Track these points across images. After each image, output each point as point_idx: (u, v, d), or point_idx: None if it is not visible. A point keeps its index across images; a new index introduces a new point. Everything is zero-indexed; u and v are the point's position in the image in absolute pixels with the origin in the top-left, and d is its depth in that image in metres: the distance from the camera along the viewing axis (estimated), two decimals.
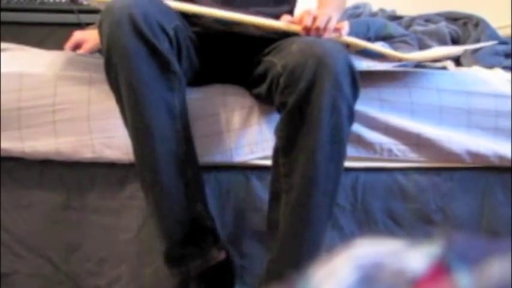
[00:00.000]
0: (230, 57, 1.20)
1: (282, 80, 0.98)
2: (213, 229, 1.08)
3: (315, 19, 1.03)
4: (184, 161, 1.03)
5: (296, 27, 1.05)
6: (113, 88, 1.01)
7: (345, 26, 1.07)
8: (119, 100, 1.01)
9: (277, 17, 1.18)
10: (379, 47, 1.19)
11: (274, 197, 1.04)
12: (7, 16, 2.12)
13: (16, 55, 1.29)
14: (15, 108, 1.17)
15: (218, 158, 1.18)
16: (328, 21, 1.03)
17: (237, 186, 1.21)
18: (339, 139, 0.97)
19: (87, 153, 1.17)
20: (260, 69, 1.11)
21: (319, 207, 0.99)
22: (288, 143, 0.98)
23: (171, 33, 0.99)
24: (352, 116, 0.98)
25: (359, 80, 0.98)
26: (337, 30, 1.06)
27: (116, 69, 0.97)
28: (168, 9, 1.05)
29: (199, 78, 1.18)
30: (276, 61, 1.03)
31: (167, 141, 1.00)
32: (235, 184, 1.21)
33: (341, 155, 0.99)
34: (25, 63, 1.23)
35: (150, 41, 0.95)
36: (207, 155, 1.18)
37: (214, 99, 1.19)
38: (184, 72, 1.07)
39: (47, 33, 1.94)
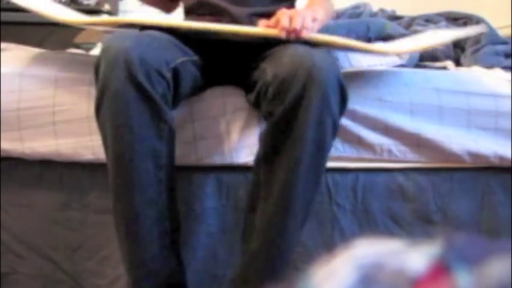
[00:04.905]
0: (229, 61, 1.20)
1: (270, 90, 0.98)
2: (181, 282, 1.06)
3: (291, 20, 1.01)
4: (164, 212, 1.01)
5: (274, 31, 1.03)
6: (101, 130, 1.00)
7: (314, 24, 1.03)
8: (105, 141, 1.00)
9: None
10: (359, 43, 1.16)
11: (252, 202, 1.04)
12: (7, 16, 2.12)
13: (16, 55, 1.29)
14: (15, 109, 1.17)
15: (219, 160, 1.18)
16: (303, 21, 1.01)
17: (237, 187, 1.21)
18: (321, 152, 0.98)
19: (87, 155, 1.16)
20: (255, 75, 1.11)
21: (295, 218, 1.00)
22: (271, 152, 0.99)
23: (168, 75, 0.98)
24: (336, 130, 0.99)
25: (347, 94, 0.99)
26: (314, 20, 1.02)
27: (106, 112, 0.97)
28: (169, 44, 1.05)
29: (207, 82, 1.19)
30: (268, 70, 1.03)
31: (148, 191, 0.98)
32: (235, 185, 1.21)
33: (321, 167, 1.00)
34: (25, 63, 1.23)
35: (145, 88, 0.94)
36: (207, 157, 1.18)
37: (214, 102, 1.19)
38: (183, 96, 1.08)
39: (47, 33, 1.94)
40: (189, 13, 1.29)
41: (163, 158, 1.00)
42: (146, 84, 0.95)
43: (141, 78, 0.94)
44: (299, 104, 0.94)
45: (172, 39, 1.08)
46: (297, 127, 0.95)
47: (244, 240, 1.06)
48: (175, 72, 1.02)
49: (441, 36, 1.32)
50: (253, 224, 1.02)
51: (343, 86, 0.97)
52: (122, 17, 2.33)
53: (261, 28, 1.05)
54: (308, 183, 0.98)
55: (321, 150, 0.98)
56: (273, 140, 0.98)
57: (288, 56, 0.99)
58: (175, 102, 1.05)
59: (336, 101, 0.96)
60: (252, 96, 1.10)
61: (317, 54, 0.98)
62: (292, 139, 0.95)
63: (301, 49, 1.00)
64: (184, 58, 1.07)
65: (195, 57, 1.12)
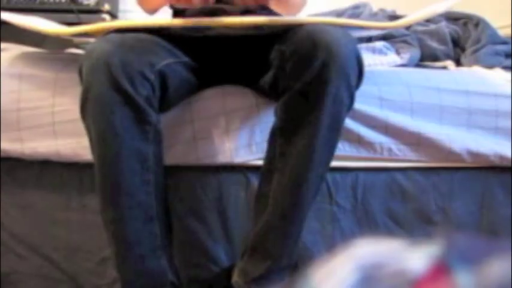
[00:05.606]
0: (228, 58, 1.19)
1: (288, 65, 0.98)
2: (173, 282, 1.05)
3: None
4: (153, 213, 1.01)
5: (263, 20, 1.03)
6: (86, 131, 1.00)
7: None
8: (91, 143, 1.00)
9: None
10: (354, 21, 1.16)
11: (267, 174, 1.04)
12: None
13: (16, 55, 1.29)
14: (14, 109, 1.17)
15: (218, 159, 1.18)
16: None
17: (237, 187, 1.21)
18: (337, 126, 0.99)
19: (87, 155, 1.16)
20: (271, 57, 1.10)
21: (310, 190, 1.01)
22: (288, 125, 1.00)
23: (153, 77, 0.98)
24: (352, 103, 1.00)
25: (364, 66, 0.99)
26: None
27: (90, 115, 0.96)
28: (155, 46, 1.04)
29: (203, 83, 1.18)
30: (285, 48, 1.02)
31: (135, 193, 0.98)
32: (235, 184, 1.21)
33: (336, 140, 1.02)
34: (25, 63, 1.23)
35: (127, 91, 0.94)
36: (207, 157, 1.18)
37: (214, 101, 1.19)
38: (175, 98, 1.09)
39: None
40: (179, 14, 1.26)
41: (150, 159, 0.99)
42: (128, 87, 0.94)
43: (123, 81, 0.94)
44: (318, 80, 0.94)
45: (160, 41, 1.08)
46: (315, 102, 0.95)
47: (257, 209, 1.06)
48: (162, 74, 1.01)
49: (432, 8, 1.31)
50: (268, 196, 1.03)
51: (360, 58, 0.98)
52: (120, 18, 2.33)
53: (251, 17, 1.05)
54: (323, 157, 1.00)
55: (337, 124, 0.99)
56: (290, 113, 0.99)
57: (305, 32, 0.99)
58: (166, 104, 1.05)
59: (354, 75, 0.97)
60: (268, 77, 1.09)
61: (334, 30, 0.99)
62: (311, 113, 0.96)
63: (318, 26, 1.00)
64: (171, 60, 1.06)
65: (186, 59, 1.12)
